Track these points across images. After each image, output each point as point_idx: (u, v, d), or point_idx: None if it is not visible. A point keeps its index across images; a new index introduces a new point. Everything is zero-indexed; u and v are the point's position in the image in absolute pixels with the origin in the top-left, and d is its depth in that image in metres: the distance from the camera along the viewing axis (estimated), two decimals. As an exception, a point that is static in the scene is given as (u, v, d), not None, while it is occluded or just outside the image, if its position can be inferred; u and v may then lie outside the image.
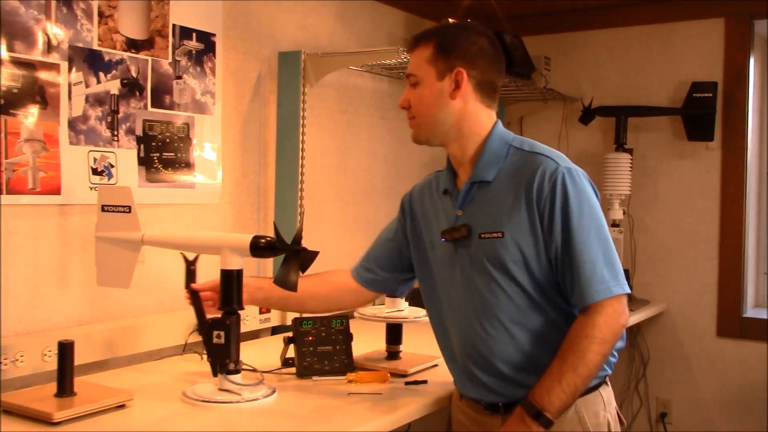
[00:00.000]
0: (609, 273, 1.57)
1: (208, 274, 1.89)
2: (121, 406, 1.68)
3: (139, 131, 2.17)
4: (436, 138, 1.72)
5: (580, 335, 1.56)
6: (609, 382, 1.74)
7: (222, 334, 1.74)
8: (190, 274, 1.87)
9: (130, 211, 1.86)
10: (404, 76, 1.75)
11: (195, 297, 1.85)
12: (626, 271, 3.22)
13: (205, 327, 1.79)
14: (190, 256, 1.88)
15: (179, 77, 2.28)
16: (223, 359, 1.75)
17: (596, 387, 1.68)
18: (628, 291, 1.60)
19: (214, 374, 1.80)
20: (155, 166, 2.22)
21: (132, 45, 2.14)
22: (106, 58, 2.08)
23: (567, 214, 1.57)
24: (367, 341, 2.18)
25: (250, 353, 1.99)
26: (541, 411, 1.54)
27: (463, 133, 1.69)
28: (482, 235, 1.64)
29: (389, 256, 1.92)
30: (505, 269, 1.61)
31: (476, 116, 1.69)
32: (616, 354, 1.68)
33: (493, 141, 1.69)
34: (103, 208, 1.90)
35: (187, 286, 1.86)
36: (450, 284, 1.72)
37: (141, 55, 2.17)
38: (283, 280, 1.72)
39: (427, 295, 1.81)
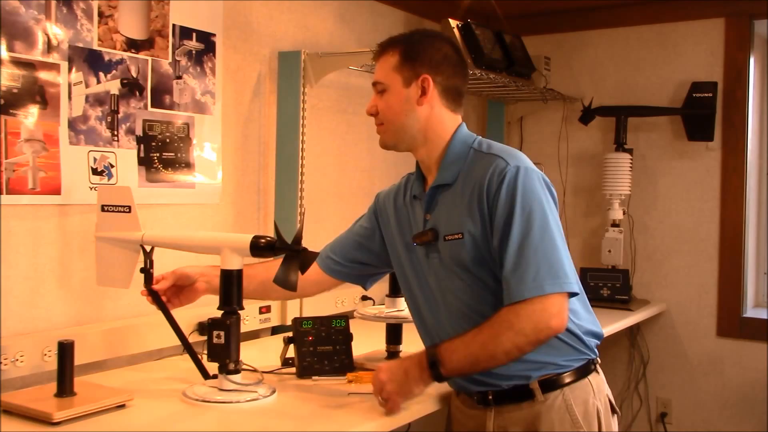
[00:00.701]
0: (546, 271, 1.55)
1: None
2: (121, 406, 1.68)
3: (139, 131, 2.17)
4: (402, 143, 1.76)
5: (502, 318, 1.57)
6: (600, 371, 1.75)
7: (222, 334, 1.74)
8: (147, 274, 1.87)
9: (130, 211, 1.87)
10: (372, 84, 1.77)
11: (155, 297, 1.87)
12: (626, 271, 3.26)
13: (173, 325, 1.84)
14: (147, 248, 1.87)
15: (179, 77, 2.28)
16: (223, 359, 1.75)
17: (584, 375, 1.70)
18: (571, 290, 1.58)
19: (205, 377, 1.83)
20: (155, 166, 2.22)
21: (132, 45, 2.14)
22: (106, 58, 2.08)
23: (508, 210, 1.58)
24: (367, 341, 2.18)
25: (250, 353, 1.99)
26: (439, 363, 1.59)
27: (429, 138, 1.73)
28: (446, 238, 1.68)
29: (356, 249, 1.95)
30: (468, 269, 1.65)
31: (441, 121, 1.73)
32: (587, 339, 1.70)
33: (454, 145, 1.72)
34: (103, 208, 1.90)
35: (146, 285, 1.87)
36: (425, 286, 1.76)
37: (141, 55, 2.17)
38: (283, 280, 1.71)
39: (406, 296, 1.86)
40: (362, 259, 1.94)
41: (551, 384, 1.67)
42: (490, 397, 1.71)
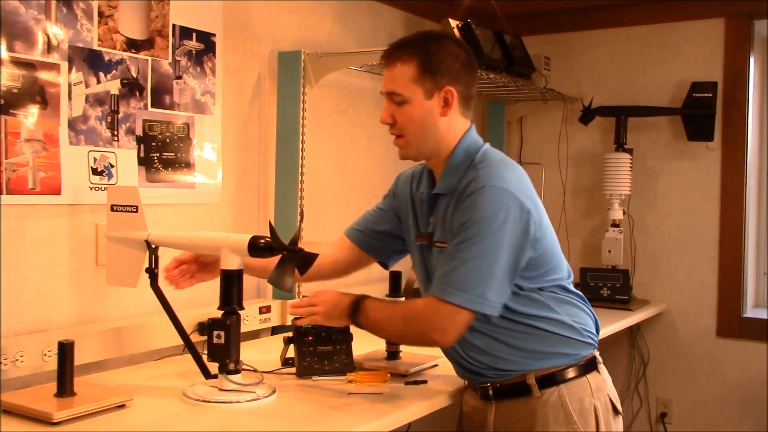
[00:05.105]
0: (471, 285, 1.58)
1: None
2: (121, 406, 1.68)
3: (139, 131, 2.17)
4: (424, 155, 1.77)
5: (417, 310, 1.67)
6: (602, 371, 1.77)
7: (222, 334, 1.74)
8: (152, 274, 1.87)
9: (137, 211, 1.88)
10: (385, 93, 1.74)
11: (159, 295, 1.88)
12: (626, 271, 3.27)
13: (176, 324, 1.86)
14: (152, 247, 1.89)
15: (179, 77, 2.28)
16: (223, 359, 1.75)
17: (583, 373, 1.72)
18: (484, 311, 1.61)
19: (206, 376, 1.83)
20: (155, 166, 2.22)
21: (132, 45, 2.14)
22: (106, 58, 2.08)
23: (468, 221, 1.60)
24: (367, 341, 2.17)
25: (250, 353, 2.00)
26: (360, 312, 1.72)
27: (441, 146, 1.74)
28: (436, 244, 1.72)
29: (379, 223, 1.98)
30: None
31: (454, 128, 1.74)
32: (585, 328, 1.74)
33: (457, 153, 1.73)
34: (112, 208, 1.91)
35: (152, 285, 1.88)
36: (425, 280, 1.81)
37: (141, 55, 2.17)
38: (278, 281, 1.71)
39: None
40: (383, 229, 1.97)
41: (549, 380, 1.69)
42: (491, 392, 1.75)
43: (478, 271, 1.58)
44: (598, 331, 1.80)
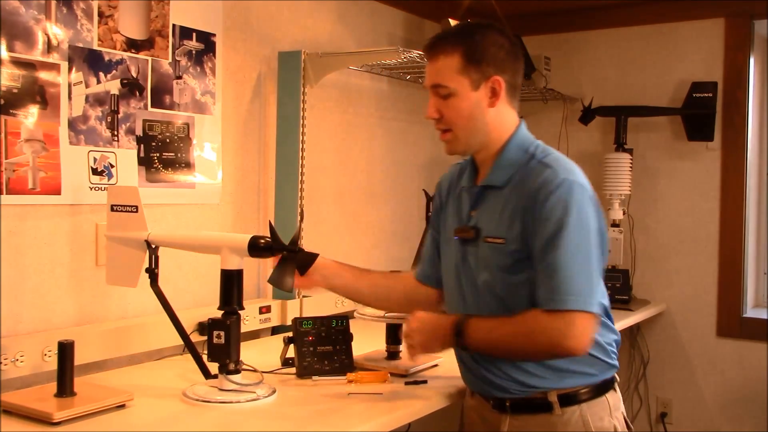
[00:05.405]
0: (577, 289, 1.54)
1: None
2: (121, 406, 1.68)
3: (139, 131, 2.17)
4: (472, 148, 1.71)
5: (528, 321, 1.57)
6: (618, 389, 1.75)
7: (222, 334, 1.74)
8: (152, 274, 1.87)
9: (137, 211, 1.88)
10: (430, 86, 1.68)
11: (159, 296, 1.88)
12: (626, 271, 3.26)
13: (176, 324, 1.86)
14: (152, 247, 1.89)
15: (179, 77, 2.28)
16: (223, 359, 1.75)
17: (603, 392, 1.68)
18: (594, 311, 1.56)
19: (206, 376, 1.83)
20: (155, 166, 2.22)
21: (132, 45, 2.14)
22: (106, 58, 2.08)
23: (559, 223, 1.55)
24: (367, 341, 2.18)
25: (250, 353, 1.99)
26: (464, 334, 1.61)
27: (492, 138, 1.68)
28: (487, 239, 1.65)
29: (437, 248, 1.88)
30: (503, 274, 1.63)
31: (503, 120, 1.69)
32: (612, 348, 1.70)
33: (510, 148, 1.68)
34: (112, 208, 1.91)
35: (152, 285, 1.88)
36: (458, 280, 1.73)
37: (141, 55, 2.17)
38: (278, 281, 1.71)
39: (444, 285, 1.83)
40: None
41: (570, 399, 1.65)
42: (508, 404, 1.69)
43: (580, 272, 1.54)
44: (618, 347, 1.75)
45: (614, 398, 1.71)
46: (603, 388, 1.69)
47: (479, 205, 1.70)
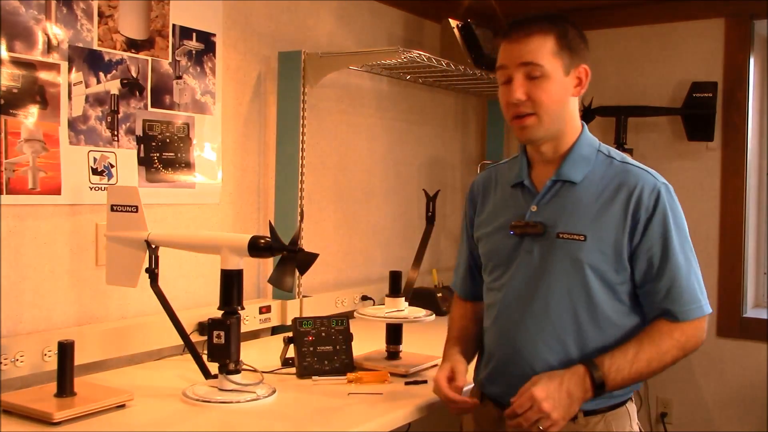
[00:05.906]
0: (701, 292, 1.61)
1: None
2: (121, 406, 1.68)
3: (139, 131, 2.17)
4: (550, 134, 1.63)
5: (666, 335, 1.58)
6: (633, 398, 1.73)
7: (222, 334, 1.74)
8: (152, 274, 1.88)
9: (137, 211, 1.88)
10: (519, 65, 1.59)
11: (159, 296, 1.89)
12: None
13: (176, 324, 1.86)
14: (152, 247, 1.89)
15: (179, 77, 2.28)
16: (223, 359, 1.75)
17: (624, 402, 1.67)
18: (711, 311, 1.63)
19: (206, 376, 1.83)
20: (155, 166, 2.22)
21: (132, 45, 2.14)
22: (106, 58, 2.08)
23: (667, 229, 1.57)
24: (367, 341, 2.18)
25: (250, 353, 2.00)
26: (604, 383, 1.53)
27: (568, 128, 1.65)
28: (561, 235, 1.59)
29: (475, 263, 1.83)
30: (577, 273, 1.58)
31: (577, 115, 1.68)
32: None
33: (582, 143, 1.66)
34: (112, 208, 1.92)
35: (152, 285, 1.88)
36: (504, 277, 1.67)
37: (141, 55, 2.17)
38: (278, 281, 1.71)
39: (493, 289, 1.75)
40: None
41: (593, 410, 1.62)
42: None
43: (696, 276, 1.61)
44: None
45: (632, 408, 1.70)
46: (625, 397, 1.67)
47: (547, 201, 1.64)
